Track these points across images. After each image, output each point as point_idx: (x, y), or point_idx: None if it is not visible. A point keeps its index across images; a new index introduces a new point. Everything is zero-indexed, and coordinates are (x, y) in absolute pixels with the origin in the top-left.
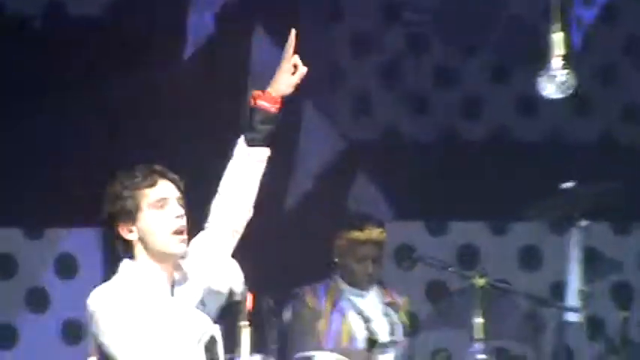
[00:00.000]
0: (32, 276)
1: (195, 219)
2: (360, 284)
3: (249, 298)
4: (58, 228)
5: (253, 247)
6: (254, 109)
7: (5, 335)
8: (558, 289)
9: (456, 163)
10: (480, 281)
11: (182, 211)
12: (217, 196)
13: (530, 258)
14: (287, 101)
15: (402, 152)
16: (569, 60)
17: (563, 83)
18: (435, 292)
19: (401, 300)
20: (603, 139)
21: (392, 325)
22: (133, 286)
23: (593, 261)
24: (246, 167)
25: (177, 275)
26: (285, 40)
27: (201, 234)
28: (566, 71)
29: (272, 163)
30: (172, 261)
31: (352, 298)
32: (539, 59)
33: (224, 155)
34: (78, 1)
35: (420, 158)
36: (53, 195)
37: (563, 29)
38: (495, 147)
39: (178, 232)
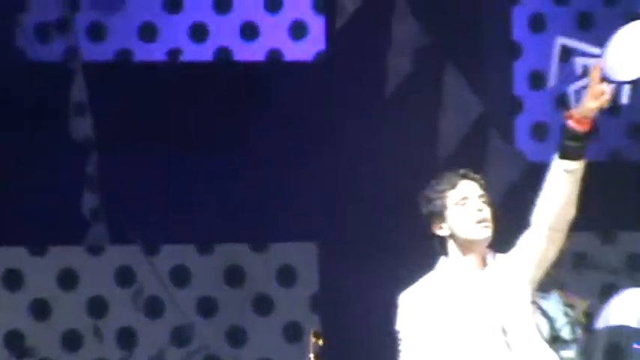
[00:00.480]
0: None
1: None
2: (543, 288)
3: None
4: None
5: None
6: (565, 127)
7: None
8: None
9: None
10: None
11: (483, 205)
12: (538, 199)
13: None
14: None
15: None
16: None
17: None
18: (608, 294)
19: (580, 302)
20: None
21: (572, 324)
22: (439, 281)
23: None
24: (557, 176)
25: (491, 264)
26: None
27: (525, 232)
28: None
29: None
30: (480, 249)
31: (537, 300)
32: None
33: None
34: (295, 48)
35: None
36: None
37: None
38: None
39: (481, 221)
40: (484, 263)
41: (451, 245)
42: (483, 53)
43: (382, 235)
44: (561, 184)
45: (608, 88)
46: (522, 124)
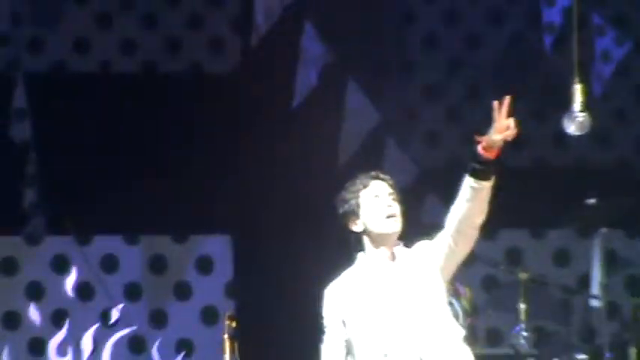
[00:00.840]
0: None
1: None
2: None
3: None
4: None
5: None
6: (475, 151)
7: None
8: (584, 282)
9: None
10: (524, 275)
11: (392, 202)
12: (452, 206)
13: (562, 257)
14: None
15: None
16: (587, 105)
17: (581, 123)
18: (489, 284)
19: (463, 290)
20: (618, 164)
21: (460, 309)
22: (357, 273)
23: (611, 260)
24: (465, 190)
25: (400, 255)
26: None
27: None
28: (584, 114)
29: None
30: (390, 241)
31: None
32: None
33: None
34: (214, 61)
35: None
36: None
37: (582, 82)
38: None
39: (390, 216)
40: (394, 256)
41: (365, 240)
42: (382, 69)
43: (290, 229)
44: (469, 198)
45: (512, 124)
46: (415, 133)
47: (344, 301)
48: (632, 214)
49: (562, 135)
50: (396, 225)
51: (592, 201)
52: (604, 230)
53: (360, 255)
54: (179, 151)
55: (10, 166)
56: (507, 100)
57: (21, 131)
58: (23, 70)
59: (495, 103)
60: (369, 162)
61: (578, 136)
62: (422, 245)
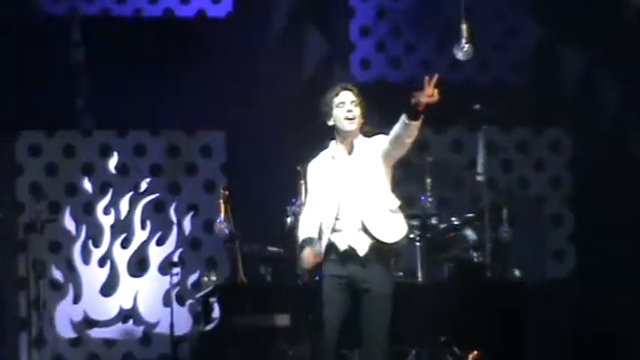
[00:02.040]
0: None
1: None
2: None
3: None
4: None
5: None
6: (410, 103)
7: None
8: (472, 163)
9: None
10: (429, 158)
11: (352, 107)
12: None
13: (457, 146)
14: None
15: None
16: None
17: (466, 52)
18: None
19: None
20: (495, 82)
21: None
22: (327, 156)
23: (490, 148)
24: (400, 123)
25: (358, 145)
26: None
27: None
28: (468, 45)
29: None
30: (350, 137)
31: None
32: None
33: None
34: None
35: None
36: None
37: (467, 22)
38: None
39: (349, 118)
40: (353, 145)
41: (335, 133)
42: (329, 14)
43: (273, 123)
44: (402, 127)
45: (436, 93)
46: (355, 60)
47: (316, 176)
48: (503, 116)
49: (455, 60)
50: (352, 125)
51: (477, 107)
52: (485, 127)
53: (331, 142)
54: (192, 69)
55: (70, 80)
56: (436, 77)
57: (77, 57)
58: (77, 13)
59: (426, 78)
60: (322, 80)
61: (466, 61)
62: (377, 139)
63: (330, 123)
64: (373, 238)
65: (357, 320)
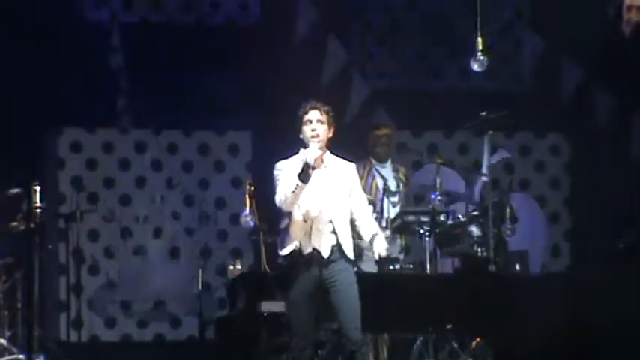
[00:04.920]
0: None
1: None
2: (380, 160)
3: None
4: None
5: None
6: None
7: None
8: (478, 165)
9: None
10: (439, 160)
11: (318, 126)
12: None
13: (464, 149)
14: None
15: None
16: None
17: (481, 62)
18: (416, 166)
19: (402, 168)
20: (501, 91)
21: (397, 181)
22: (294, 159)
23: (494, 151)
24: (363, 242)
25: (326, 162)
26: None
27: None
28: (483, 57)
29: None
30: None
31: (377, 167)
32: None
33: None
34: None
35: None
36: None
37: (482, 36)
38: None
39: (313, 137)
40: (322, 160)
41: (304, 144)
42: (348, 24)
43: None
44: (358, 239)
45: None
46: (371, 67)
47: (285, 172)
48: (508, 123)
49: (468, 70)
50: (315, 143)
51: (483, 114)
52: (490, 132)
53: (301, 150)
54: (217, 76)
55: (110, 82)
56: None
57: (116, 60)
58: (117, 20)
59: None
60: (337, 84)
61: (480, 71)
62: (347, 167)
63: (300, 136)
64: (338, 240)
65: (332, 309)
